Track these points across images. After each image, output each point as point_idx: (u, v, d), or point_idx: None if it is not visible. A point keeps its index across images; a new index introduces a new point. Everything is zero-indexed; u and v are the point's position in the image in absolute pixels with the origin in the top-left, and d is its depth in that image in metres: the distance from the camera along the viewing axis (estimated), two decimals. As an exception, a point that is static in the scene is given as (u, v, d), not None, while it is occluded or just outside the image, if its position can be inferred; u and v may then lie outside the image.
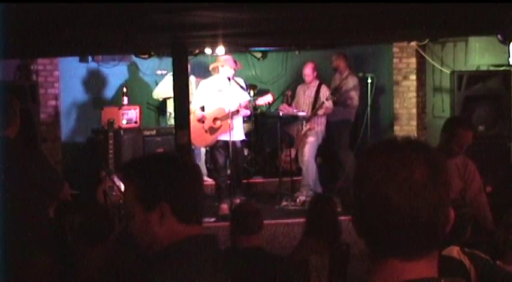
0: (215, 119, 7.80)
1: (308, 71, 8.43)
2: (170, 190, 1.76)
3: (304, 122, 8.26)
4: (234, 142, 7.68)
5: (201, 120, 7.85)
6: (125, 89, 8.94)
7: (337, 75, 8.88)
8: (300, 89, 8.62)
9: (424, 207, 1.23)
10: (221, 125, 7.74)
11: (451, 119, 5.70)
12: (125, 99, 8.79)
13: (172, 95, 6.55)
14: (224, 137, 7.76)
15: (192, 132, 6.61)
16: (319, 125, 8.32)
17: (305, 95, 8.46)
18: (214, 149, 7.94)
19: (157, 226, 1.75)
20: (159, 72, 9.70)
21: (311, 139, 8.22)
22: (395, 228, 1.24)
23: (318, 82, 8.42)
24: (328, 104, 8.13)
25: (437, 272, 1.29)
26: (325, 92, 8.27)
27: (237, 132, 7.80)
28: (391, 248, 1.26)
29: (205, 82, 8.06)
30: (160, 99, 9.55)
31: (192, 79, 8.44)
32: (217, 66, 7.93)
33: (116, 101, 9.16)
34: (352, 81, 8.56)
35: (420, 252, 1.26)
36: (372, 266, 1.29)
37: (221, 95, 7.81)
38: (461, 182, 4.72)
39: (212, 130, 7.83)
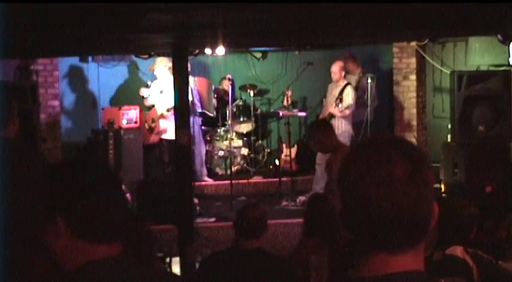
0: (152, 120, 8.52)
1: (335, 68, 8.13)
2: (66, 202, 1.55)
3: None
4: (171, 141, 8.11)
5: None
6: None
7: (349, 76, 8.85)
8: (329, 87, 8.35)
9: (405, 203, 1.26)
10: (156, 125, 8.45)
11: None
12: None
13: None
14: (167, 136, 8.33)
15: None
16: (340, 128, 7.85)
17: (331, 94, 8.15)
18: (160, 147, 8.61)
19: (53, 241, 1.60)
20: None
21: None
22: (377, 223, 1.27)
23: (345, 82, 8.11)
24: (335, 111, 7.89)
25: (423, 265, 1.32)
26: (345, 95, 7.92)
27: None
28: (375, 242, 1.29)
29: (155, 83, 8.60)
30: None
31: (191, 79, 8.46)
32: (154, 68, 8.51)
33: (116, 101, 9.15)
34: (364, 81, 8.51)
35: (404, 245, 1.29)
36: (359, 260, 1.33)
37: (162, 96, 8.40)
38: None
39: (150, 129, 8.57)
